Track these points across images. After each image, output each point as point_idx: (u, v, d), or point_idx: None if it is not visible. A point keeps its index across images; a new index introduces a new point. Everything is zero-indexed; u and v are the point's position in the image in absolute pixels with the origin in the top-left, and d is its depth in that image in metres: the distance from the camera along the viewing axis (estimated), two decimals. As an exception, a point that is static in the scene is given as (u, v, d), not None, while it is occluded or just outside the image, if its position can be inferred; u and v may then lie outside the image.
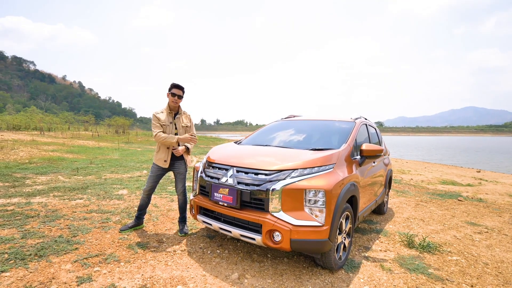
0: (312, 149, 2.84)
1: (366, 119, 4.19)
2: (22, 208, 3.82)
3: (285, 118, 4.44)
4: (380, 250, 3.21)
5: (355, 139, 3.22)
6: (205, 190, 2.76)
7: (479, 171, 14.35)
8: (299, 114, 4.58)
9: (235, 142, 3.72)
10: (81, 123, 35.00)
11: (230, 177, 2.52)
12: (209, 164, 2.85)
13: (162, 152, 3.22)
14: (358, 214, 3.00)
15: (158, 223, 3.61)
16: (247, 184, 2.41)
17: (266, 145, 3.24)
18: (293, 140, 3.42)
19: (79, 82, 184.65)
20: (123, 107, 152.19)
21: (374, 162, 3.69)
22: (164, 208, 4.31)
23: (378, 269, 2.71)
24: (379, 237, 3.66)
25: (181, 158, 3.28)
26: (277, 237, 2.27)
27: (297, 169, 2.39)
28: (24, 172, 6.68)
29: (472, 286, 2.52)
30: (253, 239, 2.34)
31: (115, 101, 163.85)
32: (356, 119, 3.78)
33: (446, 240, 3.74)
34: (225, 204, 2.49)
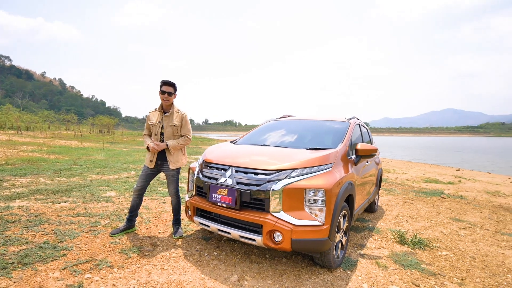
0: (309, 149, 2.83)
1: (358, 119, 4.24)
2: (0, 212, 3.59)
3: (279, 118, 4.43)
4: (374, 248, 3.26)
5: (350, 139, 3.25)
6: (202, 191, 2.69)
7: (458, 170, 14.96)
8: (291, 114, 4.58)
9: (231, 142, 3.67)
10: (62, 122, 33.57)
11: (229, 177, 2.47)
12: (206, 164, 2.78)
13: (149, 152, 3.17)
14: (354, 213, 3.03)
15: (151, 225, 3.50)
16: (246, 184, 2.37)
17: (263, 145, 3.21)
18: (290, 140, 3.41)
19: (60, 79, 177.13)
20: (107, 106, 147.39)
21: (367, 161, 3.74)
22: (155, 210, 4.18)
23: (374, 266, 2.74)
24: (372, 235, 3.72)
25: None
26: (278, 237, 2.24)
27: (296, 168, 2.37)
28: (1, 174, 6.31)
29: (462, 279, 2.60)
30: (253, 240, 2.30)
31: (98, 100, 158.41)
32: (350, 119, 3.82)
33: (435, 236, 3.85)
34: (224, 205, 2.44)
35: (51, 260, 2.40)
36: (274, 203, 2.26)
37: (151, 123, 3.20)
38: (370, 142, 4.60)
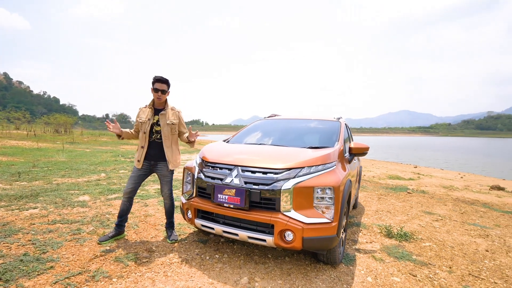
0: (309, 147, 2.87)
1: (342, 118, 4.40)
2: (-43, 223, 3.10)
3: (267, 117, 4.42)
4: (366, 242, 3.41)
5: (344, 138, 3.35)
6: (205, 192, 2.58)
7: (416, 167, 16.29)
8: (270, 113, 4.58)
9: (224, 141, 3.57)
10: (11, 121, 29.89)
11: (235, 177, 2.39)
12: (207, 164, 2.67)
13: (137, 152, 2.99)
14: (349, 209, 3.13)
15: (140, 230, 3.27)
16: (255, 184, 2.32)
17: (260, 144, 3.17)
18: (287, 139, 3.41)
19: (5, 73, 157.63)
20: (61, 103, 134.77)
21: (355, 160, 3.90)
22: (140, 214, 3.93)
23: (371, 260, 2.86)
24: (361, 230, 3.88)
25: (164, 159, 3.00)
26: (289, 236, 2.23)
27: (304, 167, 2.38)
28: None
29: (450, 267, 2.83)
30: (264, 240, 2.26)
31: (51, 97, 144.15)
32: (339, 118, 3.95)
33: (414, 228, 4.14)
34: (232, 206, 2.36)
35: (38, 274, 2.12)
36: (284, 202, 2.24)
37: (140, 120, 2.98)
38: (352, 140, 4.81)
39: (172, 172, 3.05)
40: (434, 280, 2.52)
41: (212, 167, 2.62)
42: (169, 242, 2.98)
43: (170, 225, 3.13)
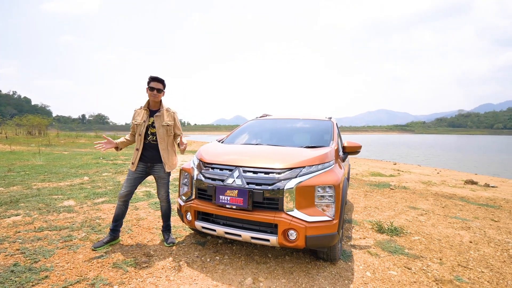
0: (306, 147, 2.91)
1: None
2: None
3: (260, 117, 4.43)
4: (360, 238, 3.51)
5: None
6: (205, 193, 2.55)
7: (395, 164, 16.91)
8: (261, 114, 4.62)
9: (218, 141, 3.54)
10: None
11: (237, 178, 2.39)
12: (206, 165, 2.64)
13: (133, 154, 2.91)
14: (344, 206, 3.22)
15: (135, 234, 3.18)
16: (258, 184, 2.32)
17: (257, 144, 3.18)
18: (282, 138, 3.44)
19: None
20: (33, 103, 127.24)
21: (347, 158, 4.00)
22: (131, 217, 3.81)
23: (367, 255, 2.96)
24: (353, 226, 3.99)
25: (160, 161, 2.94)
26: (292, 235, 2.26)
27: (304, 166, 2.42)
28: None
29: (440, 259, 2.98)
30: (267, 240, 2.27)
31: (22, 97, 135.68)
32: (330, 118, 4.04)
33: (403, 223, 4.32)
34: (234, 207, 2.35)
35: (33, 285, 2.00)
36: (287, 202, 2.27)
37: (136, 123, 2.91)
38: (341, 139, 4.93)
39: (168, 174, 2.99)
40: (428, 272, 2.65)
41: (212, 168, 2.59)
42: (167, 245, 2.92)
43: (167, 228, 3.06)
